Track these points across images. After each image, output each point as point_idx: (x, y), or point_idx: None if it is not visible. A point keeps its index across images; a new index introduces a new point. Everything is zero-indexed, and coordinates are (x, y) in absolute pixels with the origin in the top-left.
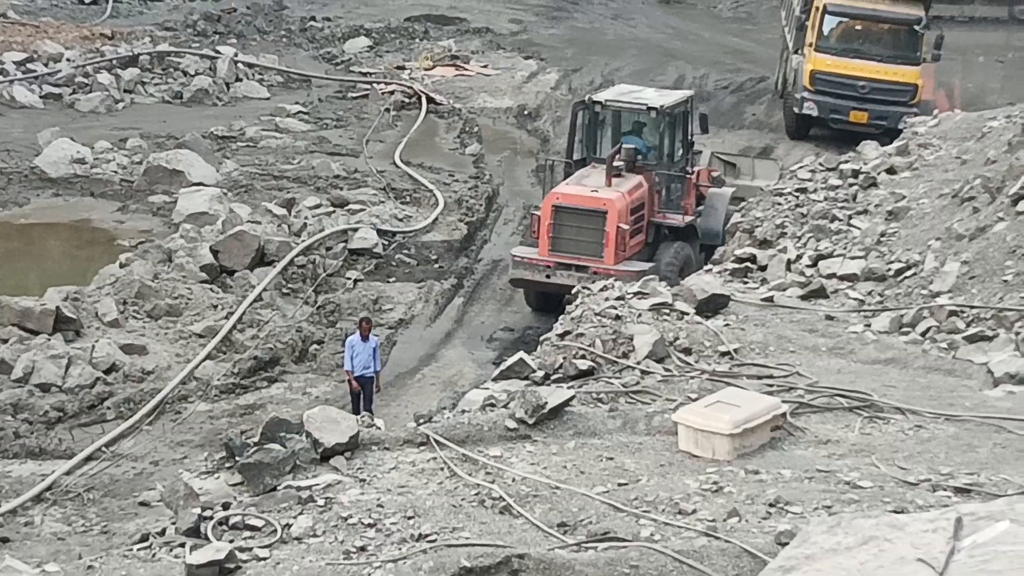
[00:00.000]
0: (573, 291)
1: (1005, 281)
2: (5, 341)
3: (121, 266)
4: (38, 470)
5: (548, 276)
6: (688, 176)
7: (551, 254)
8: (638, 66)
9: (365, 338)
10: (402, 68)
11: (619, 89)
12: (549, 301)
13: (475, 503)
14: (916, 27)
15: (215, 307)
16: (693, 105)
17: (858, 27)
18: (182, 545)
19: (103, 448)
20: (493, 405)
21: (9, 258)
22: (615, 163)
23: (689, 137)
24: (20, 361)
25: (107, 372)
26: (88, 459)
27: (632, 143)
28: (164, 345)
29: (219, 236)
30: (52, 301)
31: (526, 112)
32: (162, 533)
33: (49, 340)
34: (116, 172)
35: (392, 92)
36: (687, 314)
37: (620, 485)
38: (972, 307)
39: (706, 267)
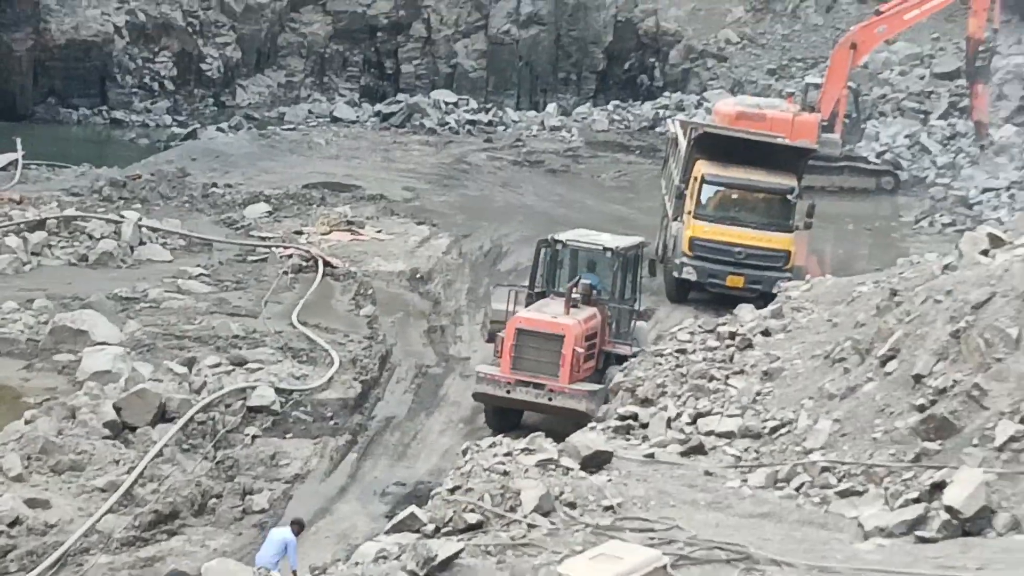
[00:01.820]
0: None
1: (874, 439)
2: None
3: (26, 423)
4: None
5: (508, 392)
6: (635, 311)
7: (512, 372)
8: (526, 232)
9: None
10: (300, 233)
11: (578, 232)
12: (507, 419)
13: None
14: (789, 196)
15: (117, 462)
16: (643, 251)
17: (734, 196)
18: None
19: None
20: (385, 558)
21: None
22: (573, 296)
23: (639, 278)
24: None
25: (11, 526)
26: None
27: (589, 279)
28: (67, 499)
29: (122, 394)
30: None
31: (418, 275)
32: None
33: None
34: (23, 331)
35: (290, 256)
36: (572, 470)
37: None
38: (843, 463)
39: (590, 425)
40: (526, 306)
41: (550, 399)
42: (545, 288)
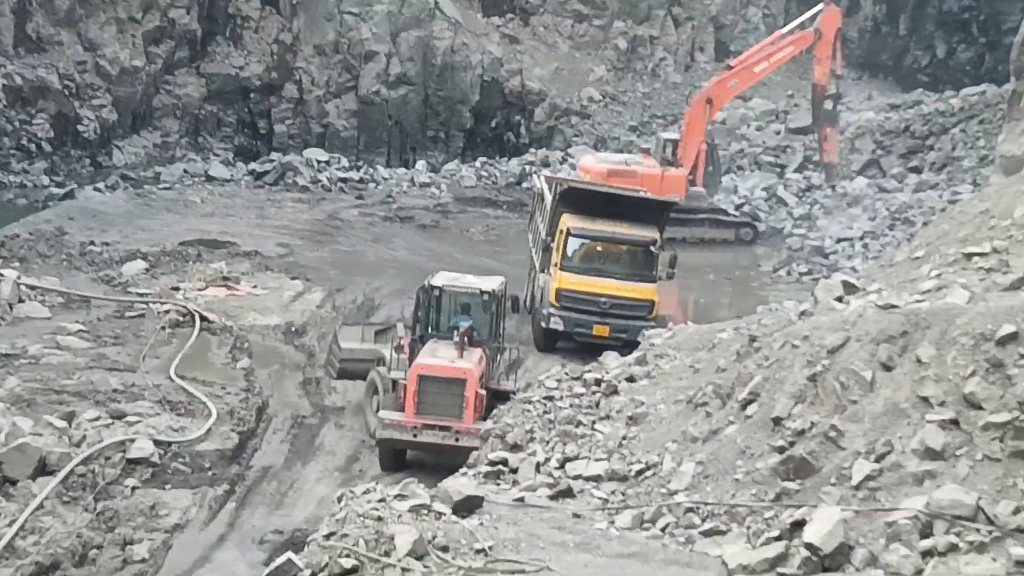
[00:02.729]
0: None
1: (736, 479)
2: None
3: None
4: None
5: (415, 435)
6: (504, 348)
7: (417, 416)
8: (398, 285)
9: None
10: (177, 289)
11: (446, 276)
12: (401, 462)
13: None
14: (652, 248)
15: None
16: (506, 289)
17: (599, 248)
18: None
19: None
20: None
21: None
22: (464, 338)
23: (504, 316)
24: None
25: None
26: None
27: (463, 321)
28: None
29: (2, 448)
30: None
31: (293, 329)
32: None
33: None
34: None
35: (167, 311)
36: (444, 514)
37: None
38: (707, 504)
39: (461, 471)
40: (410, 351)
41: (457, 439)
42: (423, 333)
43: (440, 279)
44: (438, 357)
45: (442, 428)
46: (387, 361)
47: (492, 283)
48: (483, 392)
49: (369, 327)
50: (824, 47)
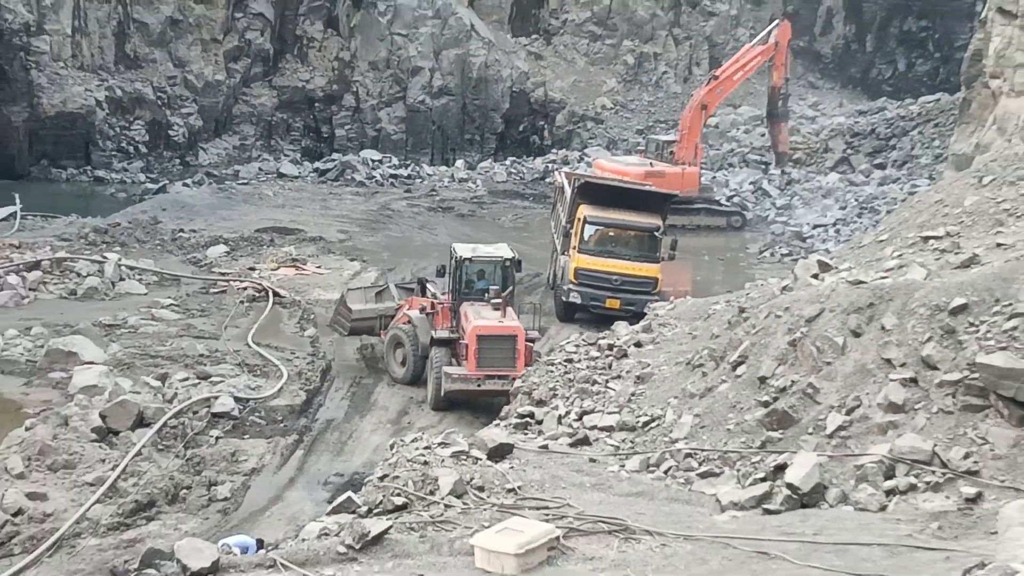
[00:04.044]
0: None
1: (728, 430)
2: None
3: (26, 429)
4: None
5: (479, 385)
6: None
7: (478, 369)
8: (440, 264)
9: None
10: (253, 269)
11: (465, 247)
12: (451, 404)
13: None
14: (655, 233)
15: (103, 461)
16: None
17: (611, 234)
18: None
19: None
20: (327, 534)
21: None
22: (493, 300)
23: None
24: None
25: (14, 515)
26: None
27: (485, 285)
28: (62, 493)
29: (106, 404)
30: None
31: None
32: None
33: None
34: (23, 354)
35: (245, 288)
36: (480, 459)
37: None
38: (703, 450)
39: (494, 423)
40: (446, 311)
41: (513, 385)
42: (452, 295)
43: (463, 250)
44: (486, 318)
45: (500, 377)
46: (412, 320)
47: (506, 250)
48: (530, 344)
49: (369, 290)
50: (780, 55)
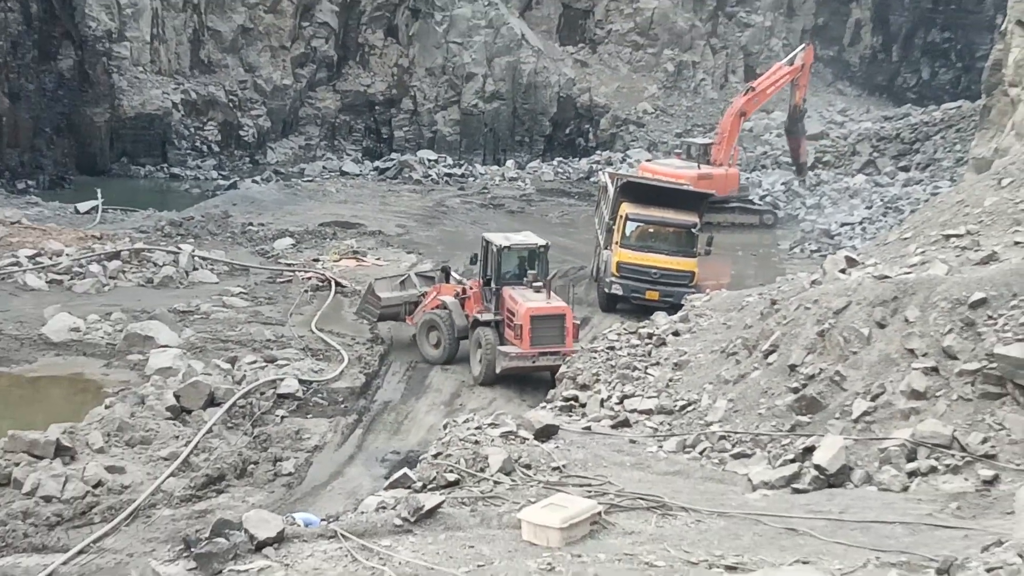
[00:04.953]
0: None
1: (760, 414)
2: (17, 464)
3: (106, 407)
4: (41, 562)
5: (534, 362)
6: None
7: (532, 347)
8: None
9: None
10: (316, 260)
11: (496, 235)
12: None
13: None
14: (693, 230)
15: (177, 437)
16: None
17: (651, 230)
18: None
19: (92, 544)
20: (384, 508)
21: (20, 402)
22: (534, 284)
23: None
24: (28, 479)
25: (95, 487)
26: (80, 552)
27: (514, 271)
28: (138, 466)
29: (180, 384)
30: (53, 434)
31: None
32: None
33: (51, 463)
34: (103, 338)
35: (309, 278)
36: (527, 439)
37: (479, 567)
38: (736, 433)
39: (541, 405)
40: (481, 296)
41: (564, 360)
42: (493, 281)
43: (499, 239)
44: (535, 300)
45: (552, 353)
46: (447, 304)
47: (535, 238)
48: (577, 321)
49: (394, 279)
50: (803, 76)
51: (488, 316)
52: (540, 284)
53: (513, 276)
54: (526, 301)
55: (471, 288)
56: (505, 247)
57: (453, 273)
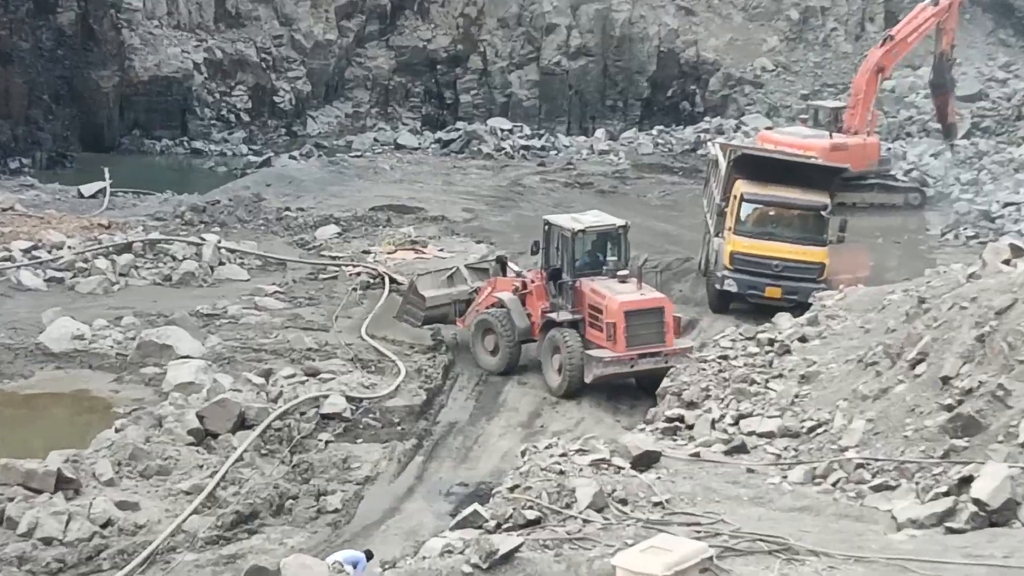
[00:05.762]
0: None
1: (905, 437)
2: (11, 499)
3: (116, 431)
4: None
5: (632, 366)
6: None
7: (628, 349)
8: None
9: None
10: (367, 252)
11: (562, 217)
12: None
13: None
14: (822, 213)
15: (201, 467)
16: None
17: (771, 213)
18: None
19: None
20: (451, 552)
21: (14, 425)
22: (620, 274)
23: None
24: (24, 517)
25: (103, 527)
26: None
27: (585, 260)
28: (155, 502)
29: (204, 403)
30: (54, 463)
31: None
32: None
33: (51, 498)
34: (112, 347)
35: (359, 273)
36: (623, 468)
37: None
38: (877, 460)
39: (639, 427)
40: (545, 290)
41: (667, 361)
42: (565, 272)
43: (566, 221)
44: (624, 293)
45: (652, 355)
46: (505, 302)
47: (610, 217)
48: (679, 314)
49: (439, 274)
50: (951, 19)
51: (566, 315)
52: (626, 273)
53: (586, 265)
54: (615, 295)
55: (532, 282)
56: (579, 231)
57: (511, 264)
